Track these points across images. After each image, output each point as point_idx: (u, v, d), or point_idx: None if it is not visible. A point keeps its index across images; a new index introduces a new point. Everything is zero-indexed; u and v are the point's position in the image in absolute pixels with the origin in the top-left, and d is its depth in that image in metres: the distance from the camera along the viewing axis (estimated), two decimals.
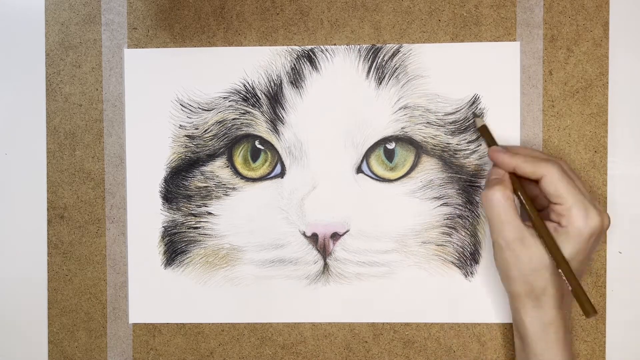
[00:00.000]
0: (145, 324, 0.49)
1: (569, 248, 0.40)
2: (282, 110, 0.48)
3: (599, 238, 0.41)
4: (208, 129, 0.48)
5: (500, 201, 0.41)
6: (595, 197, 0.47)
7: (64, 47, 0.48)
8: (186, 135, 0.48)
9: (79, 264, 0.49)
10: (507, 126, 0.47)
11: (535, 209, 0.42)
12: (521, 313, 0.41)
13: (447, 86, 0.47)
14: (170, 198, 0.48)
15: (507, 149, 0.43)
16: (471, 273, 0.48)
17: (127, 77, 0.48)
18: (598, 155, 0.47)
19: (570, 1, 0.47)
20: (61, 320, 0.49)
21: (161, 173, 0.48)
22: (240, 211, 0.48)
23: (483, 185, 0.47)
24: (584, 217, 0.39)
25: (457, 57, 0.47)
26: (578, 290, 0.39)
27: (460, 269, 0.48)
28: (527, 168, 0.41)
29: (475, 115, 0.47)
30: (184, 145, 0.48)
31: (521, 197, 0.42)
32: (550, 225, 0.41)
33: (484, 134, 0.46)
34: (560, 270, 0.40)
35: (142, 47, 0.48)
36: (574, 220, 0.40)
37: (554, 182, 0.40)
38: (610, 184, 0.48)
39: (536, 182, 0.42)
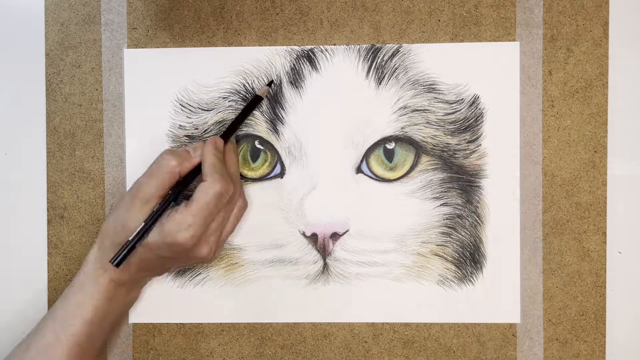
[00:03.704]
0: (145, 324, 0.49)
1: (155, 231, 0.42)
2: (281, 110, 0.48)
3: (179, 252, 0.42)
4: (208, 129, 0.48)
5: (168, 165, 0.42)
6: (593, 198, 0.47)
7: (64, 47, 0.48)
8: (186, 135, 0.48)
9: (79, 264, 0.48)
10: (507, 126, 0.47)
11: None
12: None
13: (447, 86, 0.47)
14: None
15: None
16: (471, 273, 0.48)
17: (126, 77, 0.48)
18: (598, 155, 0.47)
19: (570, 1, 0.47)
20: None
21: None
22: None
23: (482, 185, 0.47)
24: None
25: (457, 57, 0.47)
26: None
27: (459, 268, 0.48)
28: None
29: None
30: (183, 145, 0.48)
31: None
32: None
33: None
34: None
35: (142, 47, 0.48)
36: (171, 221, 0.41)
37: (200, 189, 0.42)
38: (610, 184, 0.48)
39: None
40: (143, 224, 0.41)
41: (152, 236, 0.41)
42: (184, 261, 0.44)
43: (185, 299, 0.48)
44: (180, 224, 0.41)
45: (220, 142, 0.44)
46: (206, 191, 0.41)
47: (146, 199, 0.42)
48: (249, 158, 0.48)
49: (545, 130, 0.47)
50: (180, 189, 0.42)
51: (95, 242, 0.44)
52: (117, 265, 0.41)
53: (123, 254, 0.41)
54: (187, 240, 0.41)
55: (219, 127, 0.48)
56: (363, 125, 0.47)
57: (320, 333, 0.48)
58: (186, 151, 0.43)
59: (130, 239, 0.41)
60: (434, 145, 0.47)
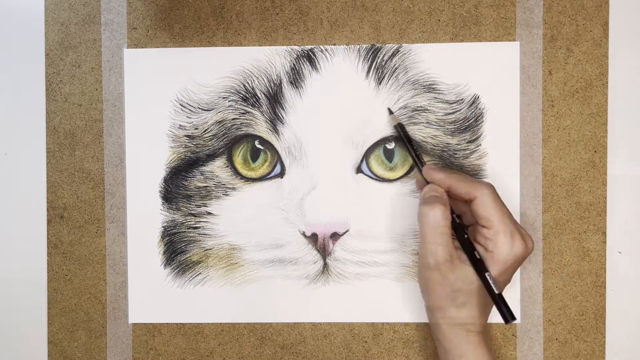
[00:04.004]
0: (145, 324, 0.49)
1: (493, 271, 0.41)
2: (281, 110, 0.48)
3: (522, 261, 0.41)
4: (208, 129, 0.48)
5: (439, 221, 0.41)
6: (593, 198, 0.47)
7: (64, 47, 0.48)
8: (186, 135, 0.48)
9: (79, 264, 0.49)
10: (506, 126, 0.47)
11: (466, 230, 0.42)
12: (442, 326, 0.42)
13: (447, 86, 0.47)
14: (169, 198, 0.48)
15: (440, 168, 0.44)
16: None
17: (126, 77, 0.48)
18: (598, 155, 0.47)
19: (570, 1, 0.47)
20: (61, 320, 0.49)
21: (161, 173, 0.48)
22: (240, 211, 0.48)
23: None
24: (509, 244, 0.40)
25: (457, 57, 0.47)
26: (500, 301, 0.41)
27: None
28: (462, 188, 0.42)
29: (390, 112, 0.47)
30: (183, 145, 0.48)
31: (456, 219, 0.43)
32: (477, 248, 0.42)
33: (401, 131, 0.46)
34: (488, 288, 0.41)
35: (142, 47, 0.48)
36: (499, 246, 0.40)
37: (485, 204, 0.41)
38: (610, 184, 0.48)
39: (464, 202, 0.43)
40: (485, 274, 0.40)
41: (494, 270, 0.40)
42: (518, 267, 0.42)
43: (185, 299, 0.48)
44: (505, 243, 0.40)
45: (430, 165, 0.44)
46: (483, 203, 0.41)
47: (449, 258, 0.41)
48: (249, 158, 0.48)
49: (545, 130, 0.47)
50: (457, 225, 0.42)
51: (434, 321, 0.42)
52: (512, 318, 0.40)
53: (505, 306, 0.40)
54: (522, 247, 0.40)
55: (219, 127, 0.48)
56: (363, 125, 0.47)
57: (320, 333, 0.48)
58: (433, 195, 0.42)
59: (496, 291, 0.40)
60: (434, 145, 0.47)
